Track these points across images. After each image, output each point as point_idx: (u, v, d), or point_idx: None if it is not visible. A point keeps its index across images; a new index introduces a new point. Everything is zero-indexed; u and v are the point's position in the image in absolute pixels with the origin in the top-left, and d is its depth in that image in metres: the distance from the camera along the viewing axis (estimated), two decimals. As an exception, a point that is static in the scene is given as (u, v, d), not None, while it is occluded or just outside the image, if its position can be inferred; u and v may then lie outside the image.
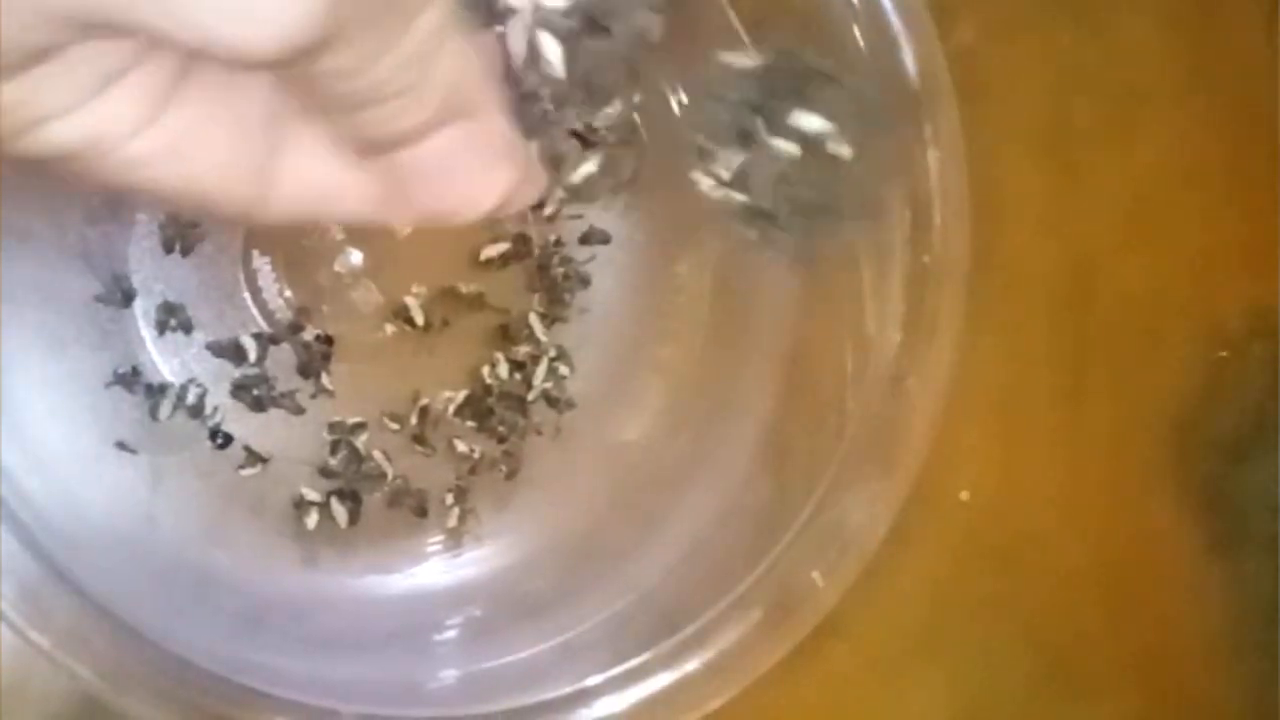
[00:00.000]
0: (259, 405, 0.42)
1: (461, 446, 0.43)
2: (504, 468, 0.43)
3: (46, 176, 0.23)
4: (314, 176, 0.25)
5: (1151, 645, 0.47)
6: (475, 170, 0.25)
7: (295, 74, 0.21)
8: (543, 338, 0.43)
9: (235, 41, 0.20)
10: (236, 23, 0.20)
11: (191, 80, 0.23)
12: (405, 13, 0.22)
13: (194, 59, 0.22)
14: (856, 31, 0.37)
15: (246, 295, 0.42)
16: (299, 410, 0.42)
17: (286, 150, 0.24)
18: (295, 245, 0.43)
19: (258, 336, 0.42)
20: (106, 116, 0.22)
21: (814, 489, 0.37)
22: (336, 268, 0.43)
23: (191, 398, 0.42)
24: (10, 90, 0.21)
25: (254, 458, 0.42)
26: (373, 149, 0.24)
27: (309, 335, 0.43)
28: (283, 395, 0.42)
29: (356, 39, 0.21)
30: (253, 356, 0.42)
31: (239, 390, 0.42)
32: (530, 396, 0.43)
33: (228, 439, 0.42)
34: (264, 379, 0.42)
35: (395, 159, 0.24)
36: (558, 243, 0.44)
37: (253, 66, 0.20)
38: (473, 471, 0.43)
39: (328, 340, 0.43)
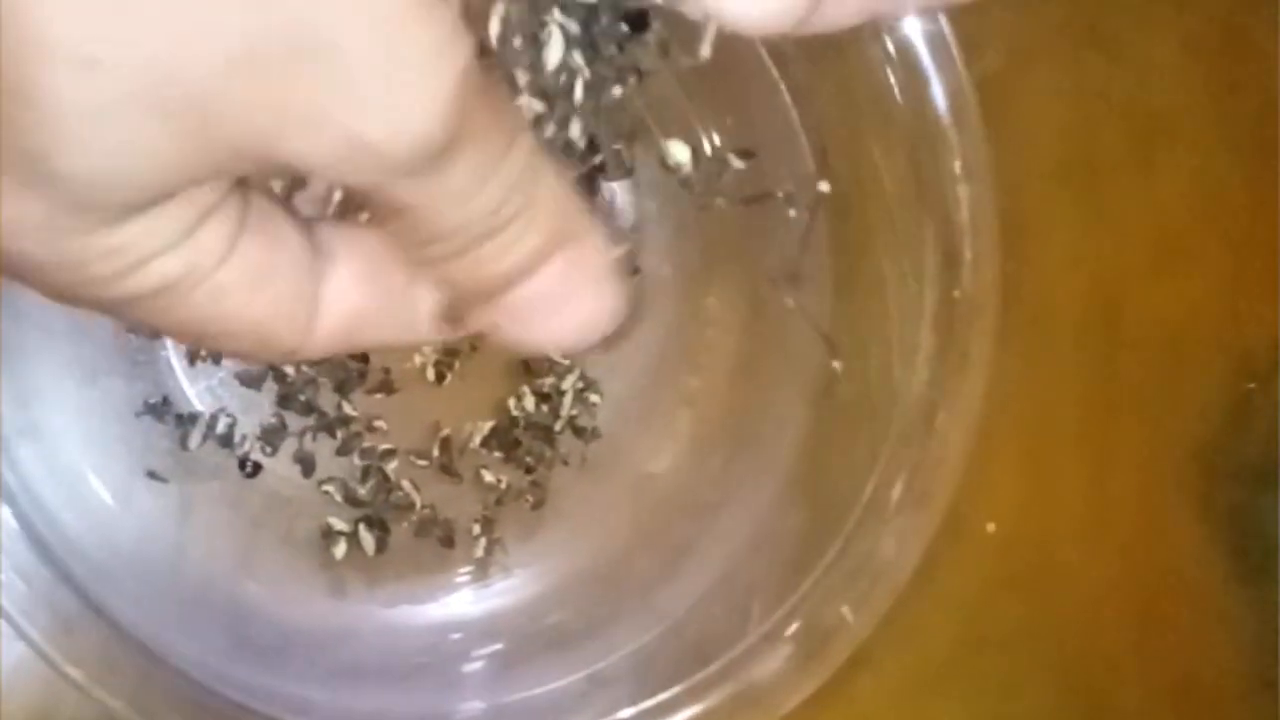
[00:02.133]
0: (309, 409, 0.42)
1: (488, 477, 0.43)
2: (531, 498, 0.43)
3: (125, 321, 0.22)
4: (349, 309, 0.24)
5: (1179, 675, 0.47)
6: (586, 298, 0.23)
7: (411, 196, 0.21)
8: (568, 366, 0.43)
9: (380, 142, 0.20)
10: (381, 124, 0.20)
11: (251, 209, 0.23)
12: (507, 129, 0.21)
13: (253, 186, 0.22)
14: (888, 70, 0.37)
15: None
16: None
17: (329, 281, 0.23)
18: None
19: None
20: (201, 247, 0.22)
21: (844, 522, 0.37)
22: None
23: (221, 427, 0.42)
24: (134, 230, 0.20)
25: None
26: (482, 295, 0.23)
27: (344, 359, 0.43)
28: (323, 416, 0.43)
29: (469, 149, 0.21)
30: (291, 372, 0.42)
31: (285, 401, 0.42)
32: (557, 427, 0.43)
33: (256, 468, 0.42)
34: (312, 380, 0.42)
35: (501, 301, 0.23)
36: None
37: (378, 175, 0.20)
38: (499, 502, 0.43)
39: (363, 359, 0.43)
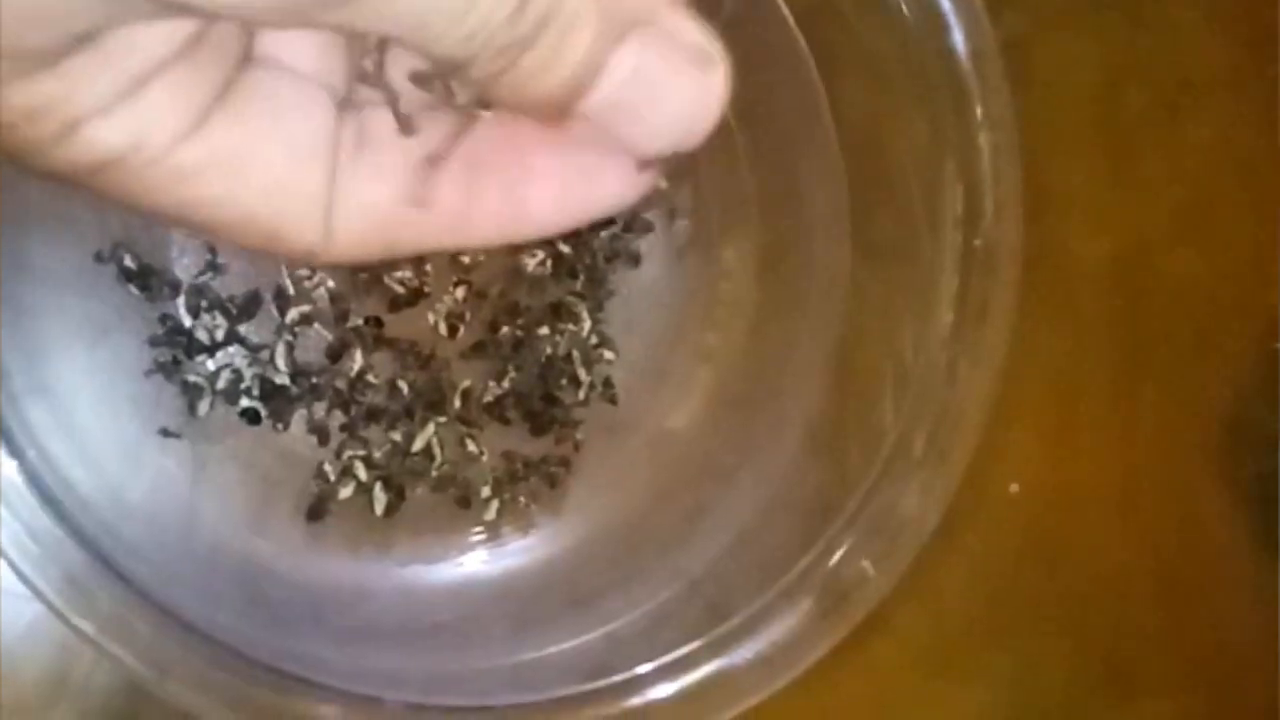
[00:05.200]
0: (320, 391, 0.42)
1: (505, 435, 0.43)
2: (549, 457, 0.43)
3: (93, 196, 0.20)
4: (381, 205, 0.21)
5: (1203, 643, 0.46)
6: (679, 87, 0.20)
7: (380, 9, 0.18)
8: (585, 320, 0.43)
9: None
10: None
11: (239, 88, 0.20)
12: None
13: (241, 66, 0.20)
14: (906, 13, 0.36)
15: (288, 282, 0.42)
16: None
17: (347, 179, 0.21)
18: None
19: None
20: (148, 117, 0.19)
21: (864, 477, 0.36)
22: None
23: (223, 383, 0.41)
24: (48, 86, 0.18)
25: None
26: (555, 111, 0.20)
27: (356, 321, 0.42)
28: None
29: None
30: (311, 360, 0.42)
31: (297, 379, 0.42)
32: (580, 395, 0.43)
33: (256, 416, 0.42)
34: (325, 369, 0.42)
35: (581, 110, 0.20)
36: (609, 222, 0.43)
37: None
38: (516, 461, 0.43)
39: (378, 323, 0.42)
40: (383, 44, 0.22)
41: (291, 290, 0.42)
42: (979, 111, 0.36)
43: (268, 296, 0.42)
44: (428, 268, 0.43)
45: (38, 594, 0.34)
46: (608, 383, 0.43)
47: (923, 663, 0.44)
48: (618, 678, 0.36)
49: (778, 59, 0.39)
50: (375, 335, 0.42)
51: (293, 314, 0.42)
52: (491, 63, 0.19)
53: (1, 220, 0.36)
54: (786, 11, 0.39)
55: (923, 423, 0.37)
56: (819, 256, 0.40)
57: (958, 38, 0.36)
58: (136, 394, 0.40)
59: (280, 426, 0.42)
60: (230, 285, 0.42)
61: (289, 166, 0.21)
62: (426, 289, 0.43)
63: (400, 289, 0.42)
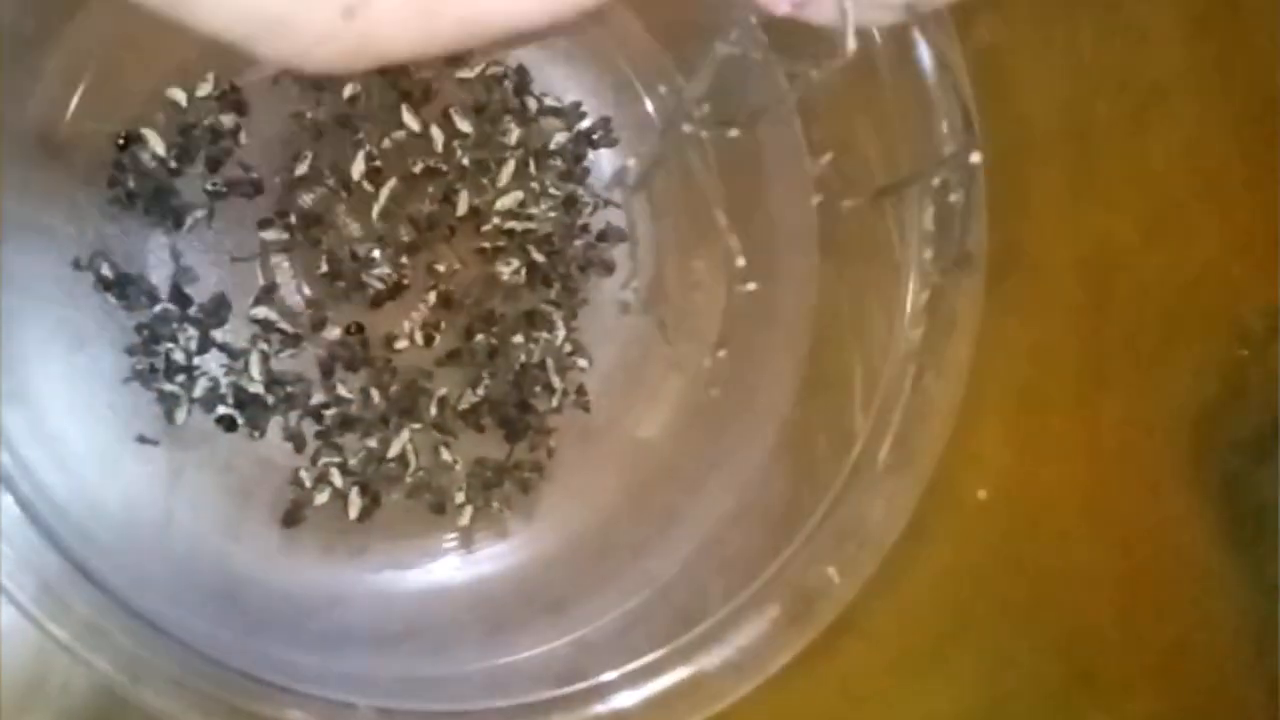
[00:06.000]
0: (292, 400, 0.42)
1: (479, 442, 0.43)
2: (522, 463, 0.43)
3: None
4: None
5: (1171, 645, 0.47)
6: None
7: None
8: (560, 328, 0.43)
9: None
10: None
11: None
12: None
13: None
14: (874, 29, 0.37)
15: (262, 284, 0.42)
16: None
17: None
18: (314, 249, 0.43)
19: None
20: None
21: (831, 485, 0.37)
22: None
23: (200, 390, 0.42)
24: None
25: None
26: None
27: (337, 333, 0.43)
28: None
29: None
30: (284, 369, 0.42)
31: (271, 387, 0.42)
32: (554, 403, 0.43)
33: (232, 423, 0.42)
34: (300, 378, 0.42)
35: None
36: (585, 228, 0.44)
37: None
38: (489, 468, 0.43)
39: (359, 329, 0.43)
40: None
41: (266, 304, 0.42)
42: (944, 125, 0.36)
43: (245, 303, 0.42)
44: (404, 260, 0.43)
45: (13, 600, 0.34)
46: (581, 390, 0.44)
47: (893, 664, 0.45)
48: (588, 683, 0.36)
49: (746, 68, 0.39)
50: (351, 343, 0.43)
51: (258, 310, 0.42)
52: None
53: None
54: (754, 21, 0.39)
55: (889, 430, 0.37)
56: (788, 266, 0.41)
57: (923, 50, 0.37)
58: (114, 401, 0.41)
59: (256, 434, 0.42)
60: (200, 294, 0.42)
61: None
62: (406, 280, 0.43)
63: (380, 284, 0.43)
